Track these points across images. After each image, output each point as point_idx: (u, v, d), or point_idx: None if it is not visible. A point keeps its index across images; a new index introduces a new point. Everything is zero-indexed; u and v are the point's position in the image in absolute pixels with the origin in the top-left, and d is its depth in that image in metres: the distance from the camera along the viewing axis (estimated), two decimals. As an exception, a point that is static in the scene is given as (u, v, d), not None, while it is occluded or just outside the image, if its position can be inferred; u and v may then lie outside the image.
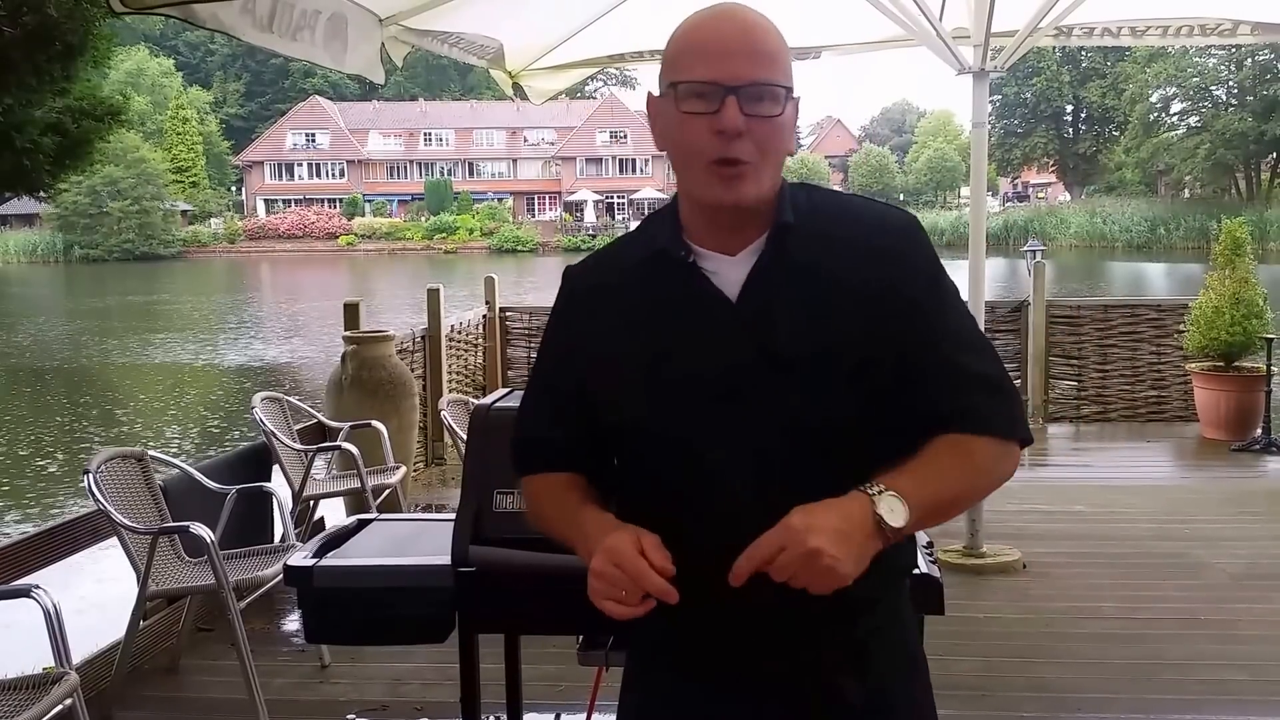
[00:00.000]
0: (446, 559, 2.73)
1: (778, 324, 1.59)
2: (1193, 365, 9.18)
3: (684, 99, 1.57)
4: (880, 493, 1.51)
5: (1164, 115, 68.94)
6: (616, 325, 1.67)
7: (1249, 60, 61.77)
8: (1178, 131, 68.32)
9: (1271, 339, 8.76)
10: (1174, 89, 66.59)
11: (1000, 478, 1.66)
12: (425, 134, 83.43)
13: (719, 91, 1.54)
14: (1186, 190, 70.79)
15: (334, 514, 6.51)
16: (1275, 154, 64.98)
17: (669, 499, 1.64)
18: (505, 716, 3.40)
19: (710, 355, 1.60)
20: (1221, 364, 8.93)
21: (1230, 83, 65.67)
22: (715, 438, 1.60)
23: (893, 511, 1.50)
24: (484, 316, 9.85)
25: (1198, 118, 66.66)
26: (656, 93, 1.66)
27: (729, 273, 1.62)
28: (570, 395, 1.73)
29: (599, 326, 1.69)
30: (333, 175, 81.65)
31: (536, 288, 36.81)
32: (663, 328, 1.63)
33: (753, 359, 1.59)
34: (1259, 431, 8.72)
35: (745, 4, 1.63)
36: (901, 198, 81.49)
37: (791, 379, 1.58)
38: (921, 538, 2.57)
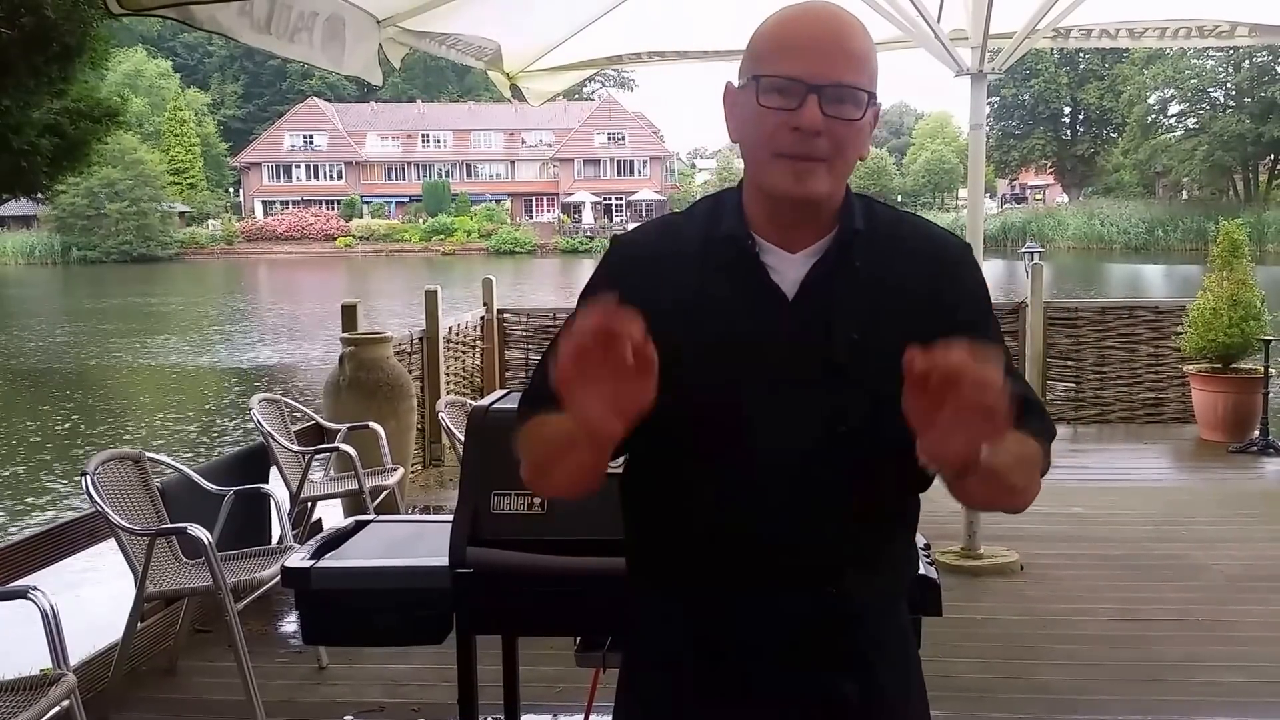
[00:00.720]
0: (444, 560, 2.73)
1: (830, 327, 1.59)
2: (1190, 367, 9.18)
3: (765, 92, 1.56)
4: None
5: (1162, 117, 69.07)
6: (668, 300, 1.62)
7: (1247, 62, 61.85)
8: (1175, 133, 68.45)
9: (1269, 340, 8.76)
10: (1172, 91, 66.71)
11: (1033, 490, 1.61)
12: (423, 135, 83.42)
13: (801, 88, 1.53)
14: (1184, 192, 70.87)
15: (332, 516, 6.51)
16: (1273, 156, 65.09)
17: (694, 487, 1.63)
18: (503, 718, 3.39)
19: (759, 349, 1.59)
20: (1219, 365, 8.93)
21: (1228, 84, 65.78)
22: (754, 431, 1.59)
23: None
24: (482, 318, 9.84)
25: (1195, 119, 66.77)
26: (731, 83, 1.65)
27: (787, 270, 1.62)
28: None
29: (649, 298, 1.59)
30: (330, 177, 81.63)
31: (535, 290, 36.85)
32: (715, 313, 1.61)
33: (801, 359, 1.59)
34: (1256, 433, 8.72)
35: (836, 2, 1.61)
36: (899, 199, 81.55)
37: (837, 382, 1.58)
38: (919, 539, 2.57)
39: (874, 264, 1.62)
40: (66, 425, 16.15)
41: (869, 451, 1.58)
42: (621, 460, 1.73)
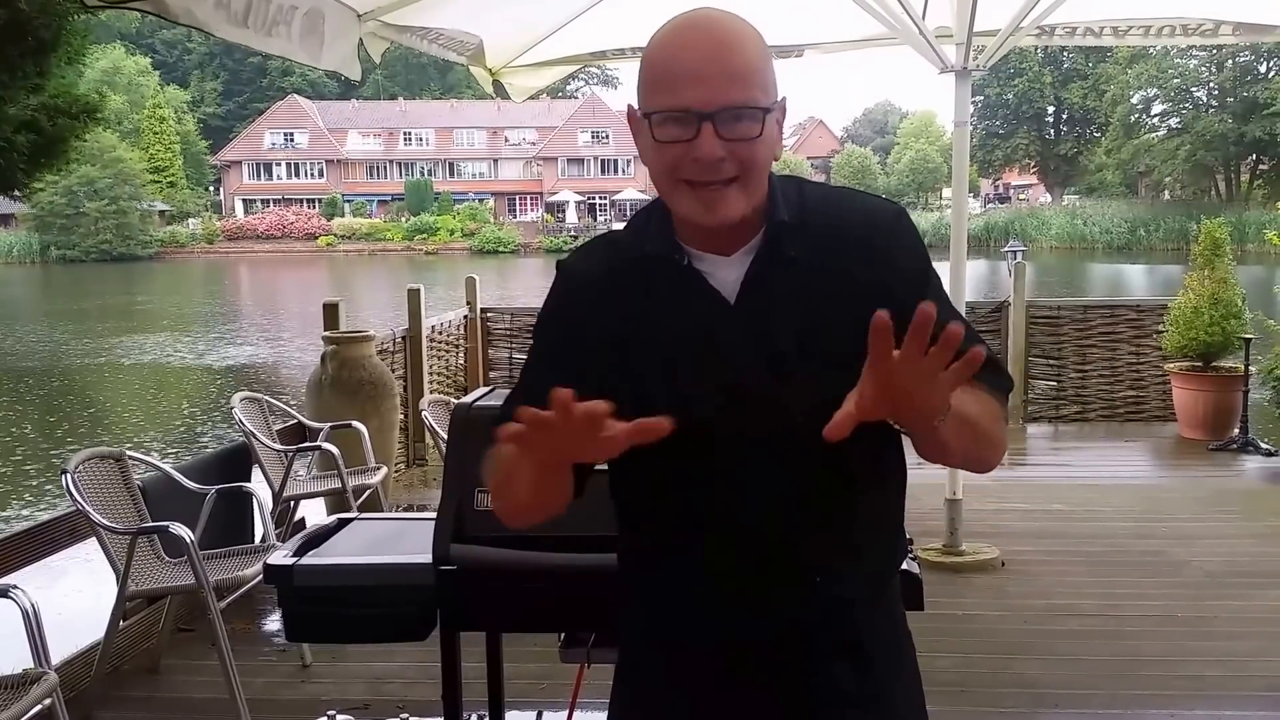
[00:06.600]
0: (427, 557, 2.72)
1: (776, 326, 1.58)
2: (1171, 365, 9.23)
3: (659, 126, 1.53)
4: None
5: (1145, 117, 69.30)
6: (618, 323, 1.63)
7: (1229, 62, 62.16)
8: (1158, 133, 68.67)
9: (1249, 339, 8.80)
10: (1155, 90, 66.94)
11: (1003, 441, 1.65)
12: (405, 133, 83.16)
13: (693, 118, 1.50)
14: (1166, 192, 71.19)
15: (315, 515, 6.49)
16: (1255, 155, 65.39)
17: (668, 498, 1.65)
18: (487, 715, 3.39)
19: (710, 357, 1.59)
20: (1200, 364, 8.98)
21: (1211, 84, 66.06)
22: (719, 438, 1.59)
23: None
24: (465, 317, 9.83)
25: (1178, 119, 67.00)
26: (632, 106, 1.61)
27: (725, 274, 1.61)
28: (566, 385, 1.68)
29: (598, 322, 1.65)
30: (311, 175, 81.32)
31: (519, 289, 36.80)
32: (662, 329, 1.61)
33: (753, 361, 1.59)
34: (1236, 431, 8.77)
35: (719, 8, 1.58)
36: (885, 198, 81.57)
37: (792, 379, 1.58)
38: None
39: (810, 251, 1.60)
40: (46, 423, 16.07)
41: (827, 440, 1.58)
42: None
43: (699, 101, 1.50)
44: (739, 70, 1.52)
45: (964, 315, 1.74)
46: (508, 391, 1.82)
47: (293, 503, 6.16)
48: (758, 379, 1.59)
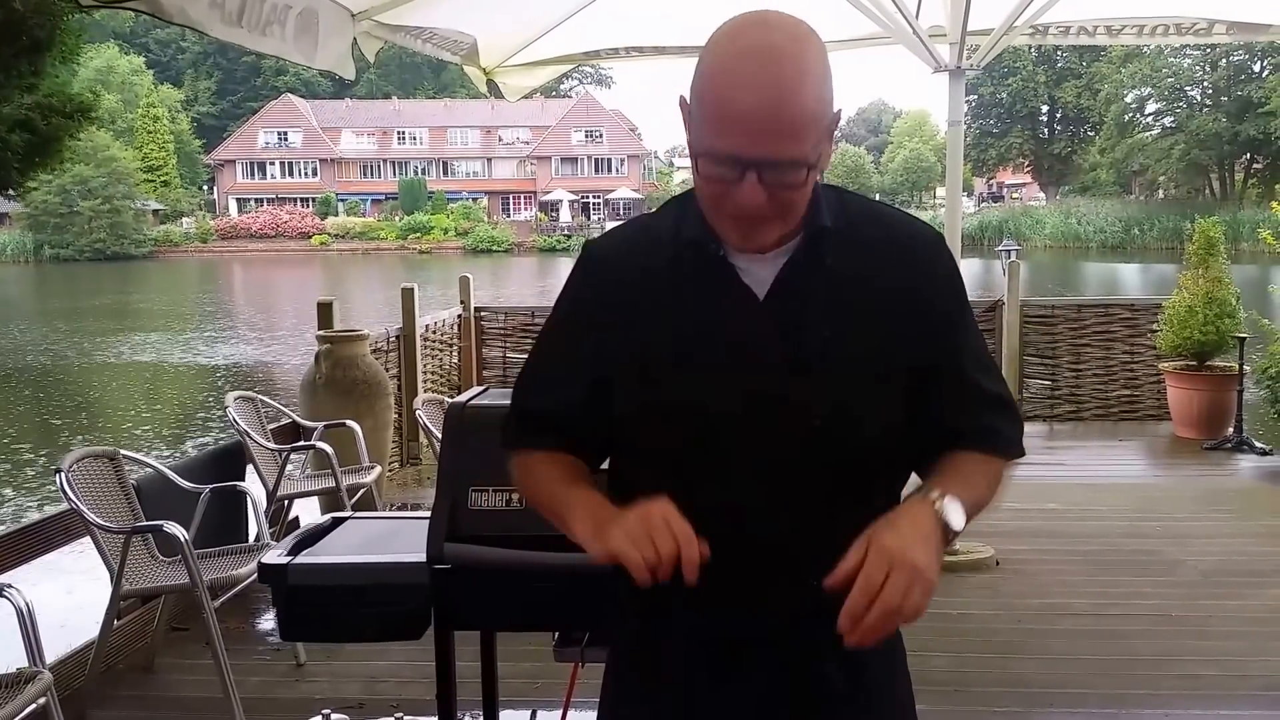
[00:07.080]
0: (422, 556, 2.72)
1: (803, 328, 1.58)
2: (1165, 364, 9.24)
3: (705, 164, 1.53)
4: (940, 497, 1.53)
5: (1139, 116, 69.44)
6: (641, 308, 1.63)
7: (1223, 61, 62.29)
8: (1152, 132, 68.82)
9: (1244, 338, 8.82)
10: (1149, 89, 67.06)
11: (1001, 495, 1.70)
12: (399, 133, 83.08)
13: (739, 164, 1.49)
14: (1160, 191, 71.35)
15: (309, 514, 6.48)
16: (1249, 154, 65.52)
17: (674, 487, 1.62)
18: (481, 714, 3.39)
19: (733, 353, 1.59)
20: (1194, 363, 8.99)
21: (1205, 83, 66.22)
22: (729, 430, 1.59)
23: (954, 515, 1.52)
24: (459, 316, 9.83)
25: (1172, 118, 67.17)
26: (684, 98, 1.59)
27: (758, 270, 1.60)
28: (583, 367, 1.68)
29: (623, 306, 1.64)
30: (305, 174, 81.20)
31: (512, 288, 36.78)
32: (688, 319, 1.60)
33: (775, 360, 1.58)
34: (1230, 430, 8.78)
35: (782, 22, 1.52)
36: (877, 198, 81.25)
37: (812, 383, 1.58)
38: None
39: (846, 260, 1.61)
40: (40, 422, 16.04)
41: (843, 446, 1.59)
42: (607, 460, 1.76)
43: (747, 150, 1.48)
44: (794, 121, 1.48)
45: (994, 360, 1.77)
46: (516, 380, 1.83)
47: (287, 502, 6.15)
48: (776, 379, 1.58)
